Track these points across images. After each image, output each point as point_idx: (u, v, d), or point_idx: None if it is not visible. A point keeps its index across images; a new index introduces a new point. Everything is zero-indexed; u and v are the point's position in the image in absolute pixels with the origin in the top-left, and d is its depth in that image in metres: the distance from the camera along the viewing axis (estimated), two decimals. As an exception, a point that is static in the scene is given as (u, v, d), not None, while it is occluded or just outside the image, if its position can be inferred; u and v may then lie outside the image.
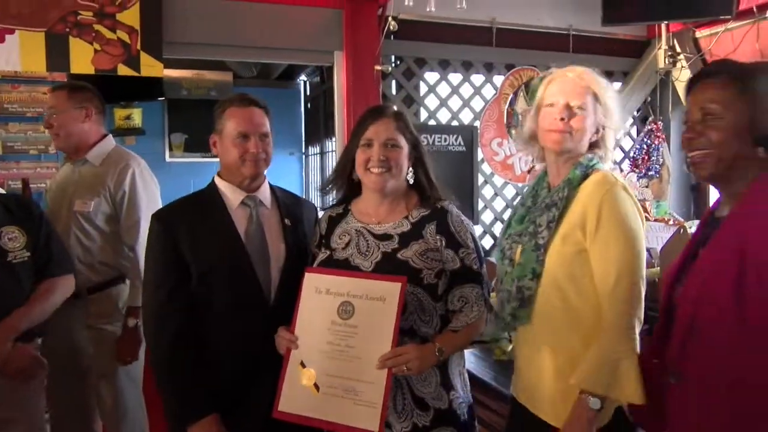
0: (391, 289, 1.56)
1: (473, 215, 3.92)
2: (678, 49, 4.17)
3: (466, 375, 1.81)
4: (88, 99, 2.58)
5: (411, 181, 1.79)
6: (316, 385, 1.58)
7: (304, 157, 6.35)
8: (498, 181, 4.06)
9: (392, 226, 1.73)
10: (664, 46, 4.19)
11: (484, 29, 3.91)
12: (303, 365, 1.61)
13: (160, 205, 2.61)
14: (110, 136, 2.70)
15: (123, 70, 3.10)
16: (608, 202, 1.54)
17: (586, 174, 1.63)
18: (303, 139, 6.32)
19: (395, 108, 1.84)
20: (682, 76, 4.17)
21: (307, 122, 6.31)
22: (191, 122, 5.88)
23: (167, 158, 6.02)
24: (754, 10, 3.61)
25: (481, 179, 4.00)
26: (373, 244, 1.71)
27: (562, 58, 4.12)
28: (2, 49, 2.89)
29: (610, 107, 1.67)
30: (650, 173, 4.20)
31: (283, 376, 1.63)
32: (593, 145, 1.69)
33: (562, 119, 1.63)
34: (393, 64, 3.74)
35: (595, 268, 1.55)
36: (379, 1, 3.43)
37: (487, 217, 4.05)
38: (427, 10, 2.92)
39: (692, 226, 2.34)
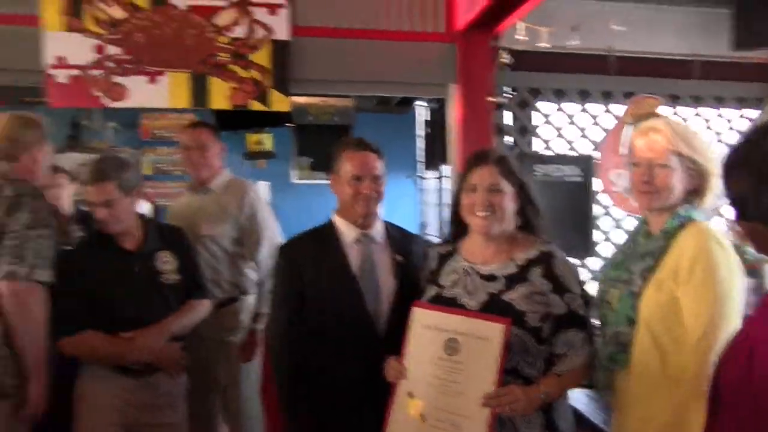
0: (495, 330, 1.62)
1: (588, 247, 3.85)
2: (821, 72, 3.89)
3: (572, 416, 1.82)
4: (217, 136, 2.93)
5: (517, 223, 1.83)
6: (422, 416, 1.67)
7: (420, 180, 6.49)
8: (617, 212, 3.96)
9: (498, 267, 1.78)
10: (805, 68, 3.92)
11: (602, 57, 3.85)
12: (411, 395, 1.70)
13: (273, 222, 2.93)
14: (226, 168, 3.01)
15: (255, 106, 3.37)
16: (701, 255, 1.54)
17: (682, 224, 1.62)
18: (420, 162, 6.47)
19: (499, 152, 1.90)
20: (826, 100, 3.87)
21: (425, 146, 6.46)
22: (316, 146, 6.23)
23: (293, 180, 6.40)
24: None
25: (599, 210, 3.92)
26: (479, 285, 1.77)
27: (688, 86, 4.01)
28: (153, 88, 3.26)
29: (703, 155, 1.65)
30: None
31: (391, 404, 1.74)
32: (693, 192, 1.67)
33: (646, 181, 1.65)
34: (507, 95, 3.78)
35: (685, 318, 1.53)
36: (491, 34, 3.49)
37: (605, 249, 3.96)
38: (540, 45, 2.94)
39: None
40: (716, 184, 1.65)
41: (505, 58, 3.45)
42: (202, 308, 2.44)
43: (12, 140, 2.25)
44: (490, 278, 1.77)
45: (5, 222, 2.06)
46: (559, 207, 3.81)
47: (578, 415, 1.94)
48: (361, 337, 1.91)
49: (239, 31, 3.32)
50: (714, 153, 1.66)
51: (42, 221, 2.13)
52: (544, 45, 2.99)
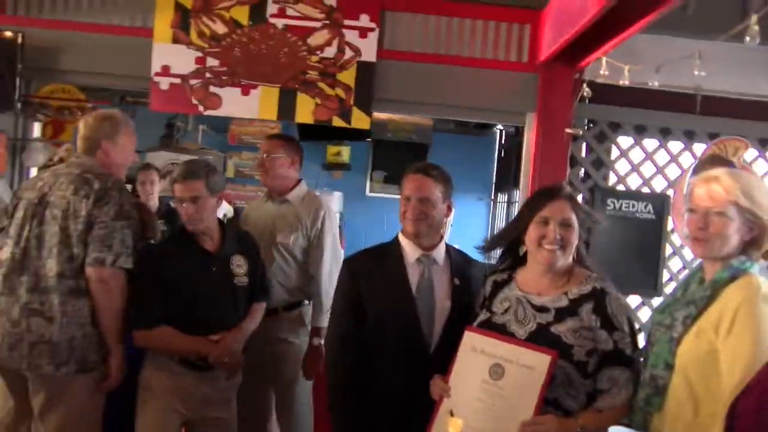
0: (541, 360, 1.68)
1: (656, 285, 3.79)
2: None
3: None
4: (295, 150, 3.03)
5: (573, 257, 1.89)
6: (461, 435, 1.75)
7: (492, 203, 6.53)
8: (688, 253, 3.87)
9: (551, 299, 1.84)
10: None
11: (687, 95, 3.79)
12: (452, 414, 1.79)
13: (339, 242, 3.04)
14: (303, 181, 3.11)
15: (337, 122, 3.56)
16: (745, 308, 1.53)
17: (733, 276, 1.62)
18: (493, 185, 6.50)
19: (569, 188, 1.95)
20: None
21: (499, 169, 6.50)
22: (392, 161, 6.40)
23: (368, 192, 6.59)
24: None
25: (669, 250, 3.85)
26: (530, 314, 1.84)
27: (777, 130, 3.87)
28: (246, 100, 3.51)
29: (763, 206, 1.64)
30: None
31: (433, 419, 1.83)
32: (751, 244, 1.66)
33: (701, 228, 1.66)
34: (585, 127, 3.80)
35: (723, 368, 1.53)
36: (575, 67, 3.53)
37: (673, 289, 3.88)
38: (621, 83, 2.96)
39: None
40: None
41: (586, 91, 3.46)
42: (262, 310, 2.61)
43: (88, 137, 2.44)
44: (542, 309, 1.83)
45: (94, 213, 2.28)
46: (630, 243, 3.77)
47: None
48: (413, 354, 2.01)
49: (329, 51, 3.53)
50: None
51: (126, 213, 2.35)
52: (623, 82, 2.99)
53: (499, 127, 6.38)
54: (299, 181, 3.07)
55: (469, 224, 5.70)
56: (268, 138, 3.19)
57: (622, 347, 1.76)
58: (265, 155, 2.98)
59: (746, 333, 1.52)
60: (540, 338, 1.77)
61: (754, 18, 2.12)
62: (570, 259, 1.87)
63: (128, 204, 2.40)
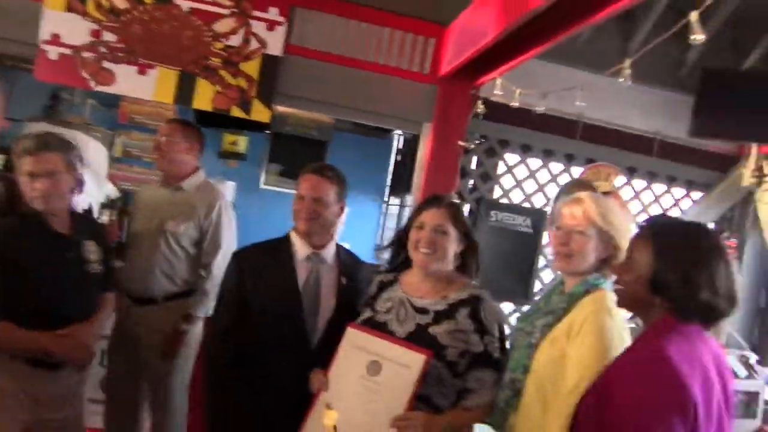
0: (416, 359, 1.78)
1: (528, 294, 4.06)
2: (766, 171, 4.19)
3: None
4: (195, 136, 2.97)
5: (454, 266, 2.00)
6: (335, 427, 1.81)
7: (385, 206, 6.67)
8: (559, 267, 4.18)
9: (431, 302, 1.95)
10: (752, 165, 4.22)
11: (571, 121, 4.11)
12: (329, 407, 1.85)
13: (235, 236, 2.99)
14: (201, 169, 3.04)
15: (235, 112, 3.52)
16: (592, 318, 1.70)
17: (588, 290, 1.79)
18: (387, 188, 6.65)
19: (451, 198, 2.08)
20: (765, 197, 4.17)
21: (394, 173, 6.64)
22: (289, 155, 6.36)
23: (262, 185, 6.51)
24: None
25: (542, 262, 4.14)
26: (411, 315, 1.94)
27: (645, 161, 4.28)
28: (142, 80, 3.38)
29: (619, 229, 1.81)
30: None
31: (309, 412, 1.88)
32: (604, 261, 1.83)
33: (563, 243, 1.82)
34: (477, 142, 4.00)
35: (567, 370, 1.70)
36: (473, 83, 3.71)
37: (543, 299, 4.17)
38: (511, 104, 3.15)
39: (728, 355, 2.40)
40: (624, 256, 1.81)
41: (480, 108, 3.65)
42: (113, 301, 2.43)
43: None
44: (422, 311, 1.93)
45: None
46: (508, 253, 4.02)
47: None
48: (295, 349, 2.04)
49: (235, 40, 3.48)
50: (628, 230, 1.83)
51: None
52: (514, 104, 3.20)
53: (398, 132, 6.54)
54: (197, 168, 3.01)
55: (360, 225, 5.78)
56: (169, 121, 3.10)
57: (491, 350, 1.89)
58: (163, 138, 2.90)
59: (589, 340, 1.68)
60: (417, 338, 1.86)
61: (627, 62, 2.34)
62: (448, 266, 1.98)
63: None
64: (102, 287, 2.31)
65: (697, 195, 4.42)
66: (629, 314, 1.74)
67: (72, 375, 2.20)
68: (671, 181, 4.39)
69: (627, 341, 1.70)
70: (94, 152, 5.53)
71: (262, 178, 6.49)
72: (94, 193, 5.53)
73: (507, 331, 1.99)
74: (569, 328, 1.74)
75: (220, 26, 3.43)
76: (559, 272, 1.91)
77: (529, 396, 1.77)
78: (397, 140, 6.61)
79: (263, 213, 6.02)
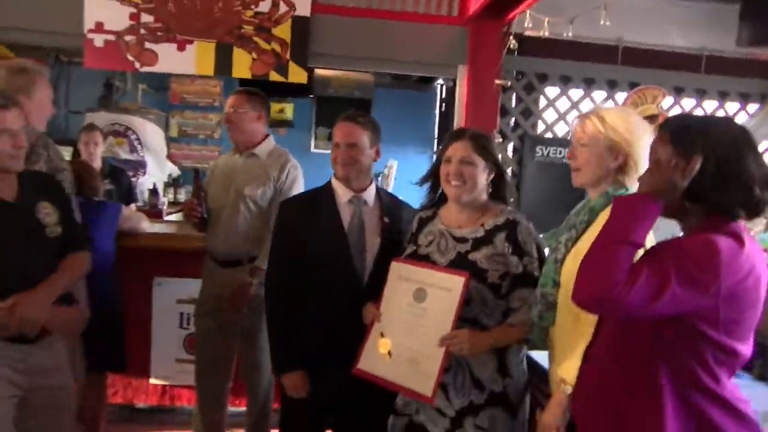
0: (456, 282, 1.87)
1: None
2: (824, 73, 4.00)
3: (525, 363, 2.07)
4: (261, 104, 3.04)
5: (488, 194, 2.06)
6: (389, 353, 1.95)
7: (434, 156, 6.70)
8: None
9: (469, 231, 2.03)
10: (809, 68, 4.04)
11: (610, 47, 4.01)
12: (382, 335, 1.98)
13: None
14: (271, 135, 3.13)
15: (274, 76, 3.64)
16: None
17: (609, 202, 1.80)
18: (435, 139, 6.67)
19: (475, 130, 2.12)
20: (824, 101, 3.99)
21: (440, 123, 6.66)
22: (335, 117, 6.45)
23: (312, 149, 6.67)
24: None
25: (592, 193, 4.11)
26: (451, 245, 2.02)
27: (692, 79, 4.15)
28: (183, 56, 3.54)
29: (624, 135, 1.79)
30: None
31: (365, 341, 2.02)
32: (619, 171, 1.83)
33: (571, 158, 1.86)
34: (515, 79, 3.98)
35: None
36: (503, 20, 3.68)
37: (597, 229, 4.16)
38: (541, 33, 3.13)
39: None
40: (641, 164, 1.79)
41: (513, 43, 3.63)
42: (85, 261, 2.16)
43: (1, 91, 2.12)
44: (461, 240, 2.02)
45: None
46: (557, 187, 4.00)
47: (533, 363, 2.16)
48: (347, 287, 2.17)
49: (264, 6, 3.58)
50: (639, 135, 1.81)
51: (56, 166, 2.27)
52: (544, 34, 3.17)
53: (440, 81, 6.52)
54: (267, 135, 3.08)
55: (412, 177, 5.84)
56: (235, 93, 3.11)
57: (530, 270, 1.96)
58: (231, 110, 2.96)
59: None
60: (459, 265, 1.95)
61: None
62: (481, 195, 2.04)
63: (57, 158, 2.35)
64: (67, 248, 2.08)
65: (753, 107, 4.26)
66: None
67: (54, 345, 2.06)
68: (723, 96, 4.23)
69: (651, 242, 1.72)
70: (151, 134, 5.88)
71: (312, 142, 6.65)
72: (156, 173, 5.88)
73: (546, 251, 2.04)
74: (591, 240, 1.77)
75: (248, -7, 3.53)
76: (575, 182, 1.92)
77: (561, 309, 1.83)
78: (440, 90, 6.60)
79: (315, 176, 6.10)
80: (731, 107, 4.26)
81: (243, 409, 3.20)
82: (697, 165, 1.42)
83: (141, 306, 3.45)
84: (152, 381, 3.57)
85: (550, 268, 1.87)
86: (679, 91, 4.18)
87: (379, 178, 5.49)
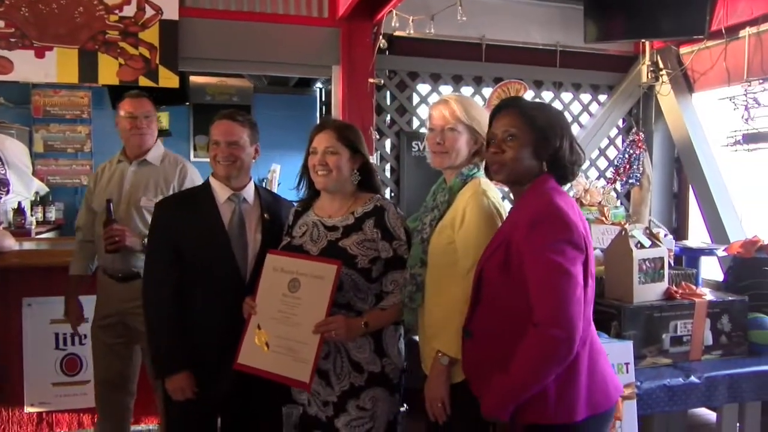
0: (328, 270, 1.94)
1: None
2: (661, 65, 4.45)
3: (401, 344, 2.16)
4: (153, 108, 2.89)
5: (357, 183, 2.14)
6: (267, 344, 1.98)
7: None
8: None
9: (340, 220, 2.10)
10: (647, 62, 4.48)
11: (474, 45, 4.26)
12: (259, 328, 2.01)
13: None
14: (159, 140, 2.96)
15: (143, 82, 3.55)
16: (471, 203, 1.88)
17: (465, 181, 1.96)
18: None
19: (338, 121, 2.21)
20: (663, 90, 4.44)
21: (322, 126, 6.73)
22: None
23: (192, 158, 6.52)
24: (723, 32, 3.88)
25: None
26: (323, 234, 2.09)
27: (549, 73, 4.48)
28: (42, 63, 3.37)
29: (481, 123, 1.96)
30: (631, 181, 4.47)
31: (243, 335, 2.03)
32: (475, 154, 2.00)
33: (438, 143, 1.98)
34: (387, 77, 4.12)
35: (459, 254, 1.88)
36: (372, 20, 3.81)
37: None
38: (406, 32, 3.27)
39: (633, 229, 2.62)
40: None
41: (382, 43, 3.76)
42: None
43: None
44: (332, 228, 2.08)
45: None
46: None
47: (414, 343, 2.25)
48: (230, 285, 2.17)
49: (129, 10, 3.49)
50: (486, 120, 1.94)
51: None
52: (410, 33, 3.32)
53: (319, 84, 6.60)
54: (156, 140, 2.94)
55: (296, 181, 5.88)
56: (133, 97, 2.86)
57: (400, 253, 2.06)
58: (140, 114, 2.79)
59: (473, 221, 1.86)
60: (329, 252, 2.02)
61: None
62: (349, 183, 2.11)
63: None
64: None
65: (603, 97, 4.66)
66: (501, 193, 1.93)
67: None
68: (577, 88, 4.61)
69: (506, 212, 1.88)
70: (13, 151, 5.48)
71: (191, 152, 6.50)
72: (22, 191, 5.50)
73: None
74: (453, 218, 1.90)
75: (110, -1, 3.42)
76: (438, 168, 2.05)
77: (428, 287, 1.94)
78: (320, 93, 6.68)
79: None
80: (585, 98, 4.65)
81: (149, 426, 3.08)
82: None
83: (10, 329, 3.26)
84: (27, 410, 3.36)
85: (417, 248, 1.97)
86: (538, 85, 4.50)
87: (263, 183, 5.46)
